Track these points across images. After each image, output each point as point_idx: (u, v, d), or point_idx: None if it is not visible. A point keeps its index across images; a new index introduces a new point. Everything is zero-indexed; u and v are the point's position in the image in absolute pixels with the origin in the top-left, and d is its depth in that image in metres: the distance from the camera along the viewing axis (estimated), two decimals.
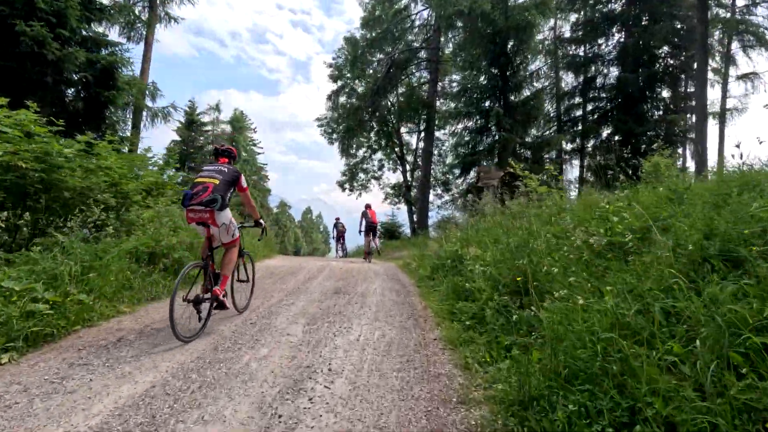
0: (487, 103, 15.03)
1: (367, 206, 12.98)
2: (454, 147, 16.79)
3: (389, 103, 28.24)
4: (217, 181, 3.60)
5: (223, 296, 3.61)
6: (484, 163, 15.43)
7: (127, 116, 14.45)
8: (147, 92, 14.58)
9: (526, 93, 15.38)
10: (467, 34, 14.87)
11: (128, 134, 14.82)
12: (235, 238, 3.84)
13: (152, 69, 15.16)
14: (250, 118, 50.27)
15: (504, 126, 13.69)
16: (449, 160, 27.80)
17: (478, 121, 15.40)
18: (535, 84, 15.46)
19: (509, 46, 14.73)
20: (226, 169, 3.75)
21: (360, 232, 13.09)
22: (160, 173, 7.76)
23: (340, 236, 15.75)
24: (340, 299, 5.21)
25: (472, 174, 16.24)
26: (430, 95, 23.00)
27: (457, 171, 18.13)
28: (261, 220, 4.40)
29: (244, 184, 3.86)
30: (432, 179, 24.58)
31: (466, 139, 16.16)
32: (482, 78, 14.98)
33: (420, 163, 30.40)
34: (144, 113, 14.75)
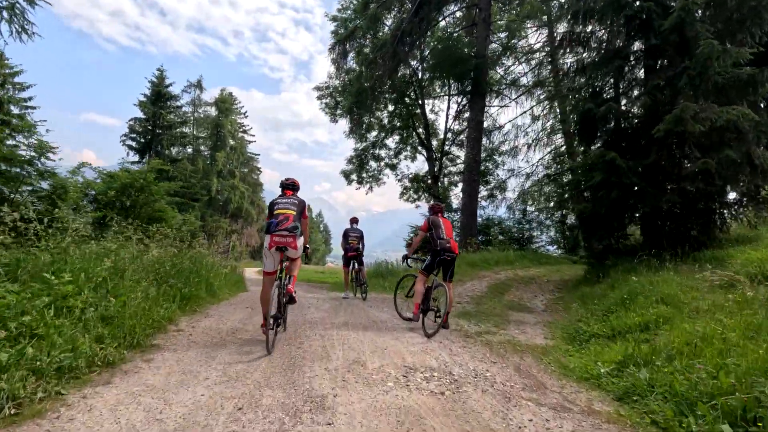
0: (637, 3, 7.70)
1: (437, 211, 5.70)
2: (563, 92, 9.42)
3: (412, 70, 21.02)
4: (294, 212, 4.36)
5: (294, 293, 4.53)
6: (606, 125, 8.24)
7: None
8: None
9: None
10: None
11: None
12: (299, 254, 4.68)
13: None
14: (239, 101, 42.91)
15: (697, 34, 6.46)
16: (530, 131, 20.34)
17: (615, 39, 8.09)
18: None
19: None
20: (297, 201, 4.50)
21: (406, 259, 5.95)
22: None
23: (353, 255, 8.39)
24: None
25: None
26: (480, 41, 15.70)
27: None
28: (308, 245, 4.81)
29: (307, 213, 4.62)
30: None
31: (581, 80, 8.86)
32: None
33: (449, 148, 23.09)
34: None
